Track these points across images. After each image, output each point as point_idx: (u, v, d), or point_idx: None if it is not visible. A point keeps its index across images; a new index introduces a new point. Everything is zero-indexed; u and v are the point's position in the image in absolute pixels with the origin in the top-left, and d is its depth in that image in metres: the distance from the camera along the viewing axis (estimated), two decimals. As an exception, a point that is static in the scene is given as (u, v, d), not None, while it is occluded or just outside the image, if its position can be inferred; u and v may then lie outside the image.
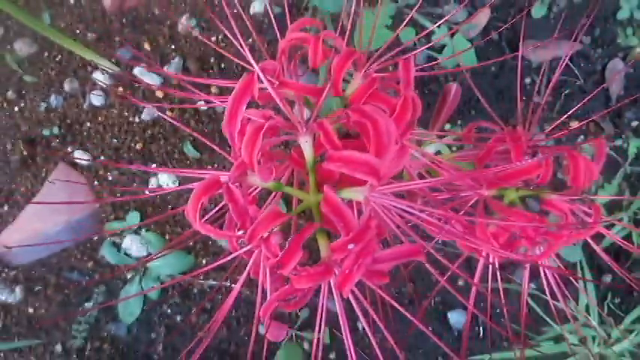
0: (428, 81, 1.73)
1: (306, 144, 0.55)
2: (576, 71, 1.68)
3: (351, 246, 0.48)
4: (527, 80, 1.73)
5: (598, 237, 1.57)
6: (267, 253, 0.48)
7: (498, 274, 0.74)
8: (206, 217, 0.59)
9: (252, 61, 0.57)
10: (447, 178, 0.59)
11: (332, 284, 0.52)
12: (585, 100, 1.17)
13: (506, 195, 0.73)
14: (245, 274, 0.54)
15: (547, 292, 0.78)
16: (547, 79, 1.60)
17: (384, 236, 0.57)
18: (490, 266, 0.73)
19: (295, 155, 0.57)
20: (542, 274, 0.70)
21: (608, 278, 1.54)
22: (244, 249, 0.54)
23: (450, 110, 0.67)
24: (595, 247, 0.79)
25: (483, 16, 1.75)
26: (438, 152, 0.70)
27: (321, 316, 0.56)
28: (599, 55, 1.70)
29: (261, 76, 0.56)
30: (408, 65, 0.60)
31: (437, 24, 0.84)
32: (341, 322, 0.57)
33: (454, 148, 0.74)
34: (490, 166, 0.72)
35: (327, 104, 0.61)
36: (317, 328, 0.54)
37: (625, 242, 0.84)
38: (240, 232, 0.52)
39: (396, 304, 0.56)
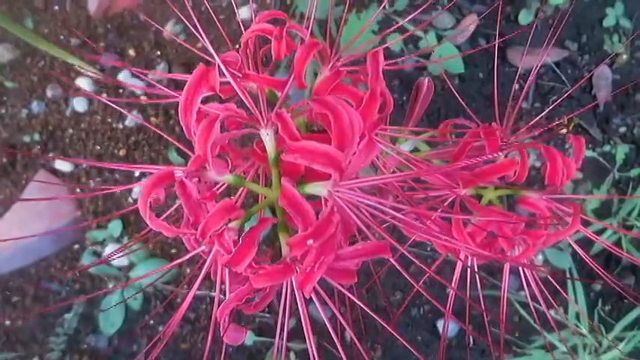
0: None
1: (267, 137, 0.52)
2: (563, 77, 1.67)
3: (310, 242, 0.45)
4: (516, 87, 1.72)
5: (587, 243, 1.55)
6: (220, 250, 0.45)
7: (478, 278, 0.72)
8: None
9: (213, 52, 0.55)
10: (418, 172, 0.57)
11: (294, 283, 0.50)
12: (577, 110, 1.15)
13: (485, 194, 0.70)
14: (202, 274, 0.51)
15: (530, 298, 0.75)
16: (535, 85, 1.58)
17: (351, 234, 0.54)
18: (469, 269, 0.71)
19: (257, 149, 0.54)
20: (525, 278, 0.67)
21: (598, 285, 1.51)
22: (201, 247, 0.51)
23: (424, 106, 0.65)
24: (582, 253, 0.76)
25: (471, 23, 1.74)
26: (415, 150, 0.68)
27: (283, 322, 0.53)
28: (586, 62, 1.69)
29: (222, 67, 0.54)
30: (377, 57, 0.57)
31: (423, 30, 0.82)
32: (304, 327, 0.54)
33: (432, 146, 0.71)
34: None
35: (299, 99, 0.58)
36: (277, 335, 0.51)
37: (614, 248, 0.81)
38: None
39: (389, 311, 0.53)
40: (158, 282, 1.66)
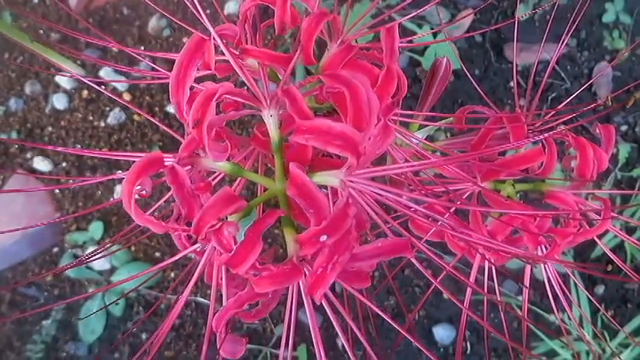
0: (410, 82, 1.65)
1: (270, 118, 0.45)
2: (563, 74, 1.63)
3: (323, 238, 0.38)
4: (512, 84, 1.67)
5: (589, 246, 1.50)
6: (218, 248, 0.38)
7: (496, 280, 0.65)
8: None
9: (209, 25, 0.48)
10: (436, 161, 0.50)
11: (302, 288, 0.43)
12: (578, 110, 1.10)
13: (503, 190, 0.64)
14: (195, 277, 0.44)
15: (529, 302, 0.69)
16: (533, 82, 1.53)
17: (365, 230, 0.48)
18: (485, 270, 0.64)
19: (258, 134, 0.48)
20: (546, 276, 0.61)
21: (600, 289, 1.46)
22: (194, 246, 0.44)
23: (440, 88, 0.58)
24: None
25: (466, 18, 1.69)
26: (429, 139, 0.61)
27: (289, 329, 0.46)
28: (585, 58, 1.64)
29: (219, 41, 0.47)
30: (392, 32, 0.51)
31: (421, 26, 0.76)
32: (313, 337, 0.47)
33: (448, 134, 0.65)
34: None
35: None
36: (283, 343, 0.44)
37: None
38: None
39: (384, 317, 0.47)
40: (141, 287, 1.58)
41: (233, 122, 1.63)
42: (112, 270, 1.63)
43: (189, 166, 0.46)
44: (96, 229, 1.65)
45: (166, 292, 1.56)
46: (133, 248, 1.64)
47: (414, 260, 0.45)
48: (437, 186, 0.58)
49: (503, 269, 0.66)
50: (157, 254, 1.62)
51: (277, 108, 0.45)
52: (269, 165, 0.55)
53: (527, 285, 0.60)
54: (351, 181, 0.44)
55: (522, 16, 1.69)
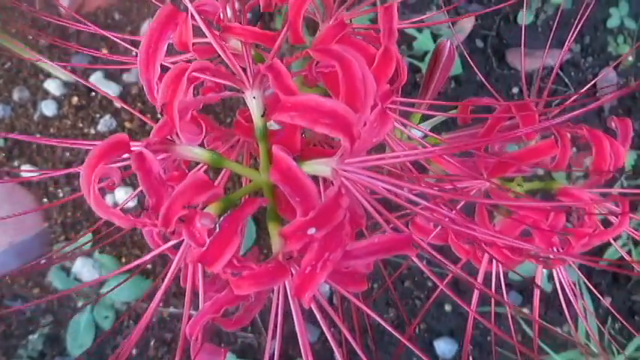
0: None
1: (254, 101, 0.40)
2: (567, 80, 1.58)
3: (311, 231, 0.33)
4: (515, 90, 1.63)
5: (595, 256, 1.44)
6: (190, 242, 0.33)
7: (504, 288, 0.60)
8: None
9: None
10: (440, 149, 0.45)
11: (288, 290, 0.37)
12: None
13: (511, 189, 0.59)
14: (166, 281, 0.38)
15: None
16: (538, 88, 1.49)
17: (360, 227, 0.43)
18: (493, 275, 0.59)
19: (241, 120, 0.43)
20: (558, 280, 0.56)
21: (607, 301, 1.41)
22: (167, 244, 0.39)
23: (444, 75, 0.54)
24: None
25: (467, 23, 1.65)
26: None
27: (274, 340, 0.41)
28: (589, 64, 1.60)
29: (197, 17, 0.42)
30: (390, 11, 0.46)
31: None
32: (302, 350, 0.41)
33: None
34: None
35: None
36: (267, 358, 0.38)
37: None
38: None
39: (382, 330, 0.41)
40: (131, 299, 1.52)
41: (220, 116, 1.59)
42: (102, 282, 1.57)
43: (163, 155, 0.41)
44: (85, 240, 1.60)
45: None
46: (123, 260, 1.59)
47: (415, 259, 0.40)
48: (441, 183, 0.53)
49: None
50: (149, 266, 1.56)
51: (261, 89, 0.40)
52: (257, 159, 0.50)
53: (539, 284, 0.55)
54: (345, 170, 0.39)
55: (525, 22, 1.65)
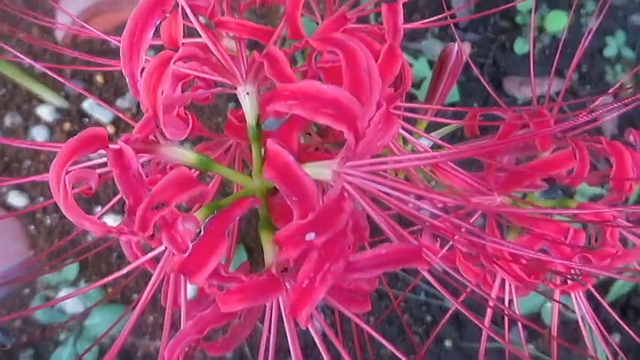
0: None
1: (247, 97, 0.36)
2: (565, 109, 1.56)
3: (310, 236, 0.29)
4: (513, 118, 1.61)
5: (603, 289, 1.39)
6: (170, 247, 0.29)
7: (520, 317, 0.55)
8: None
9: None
10: (448, 154, 0.41)
11: (282, 307, 0.33)
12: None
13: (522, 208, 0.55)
14: (146, 294, 0.34)
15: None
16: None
17: (364, 240, 0.38)
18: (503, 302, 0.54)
19: (233, 119, 0.39)
20: (578, 307, 0.51)
21: (616, 338, 1.35)
22: (147, 255, 0.35)
23: (451, 80, 0.50)
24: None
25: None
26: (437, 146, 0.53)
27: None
28: (587, 92, 1.59)
29: (188, 11, 0.39)
30: (395, 9, 0.43)
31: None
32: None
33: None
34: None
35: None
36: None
37: None
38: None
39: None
40: (116, 332, 1.45)
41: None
42: (86, 313, 1.50)
43: (146, 157, 0.37)
44: (71, 269, 1.54)
45: (142, 337, 1.43)
46: (109, 289, 1.52)
47: (425, 274, 0.35)
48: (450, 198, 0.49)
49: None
50: (135, 296, 1.50)
51: (256, 84, 0.36)
52: (250, 166, 0.46)
53: (559, 301, 0.50)
54: (347, 174, 0.35)
55: (522, 50, 1.64)
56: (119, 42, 0.36)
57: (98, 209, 1.59)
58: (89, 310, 1.49)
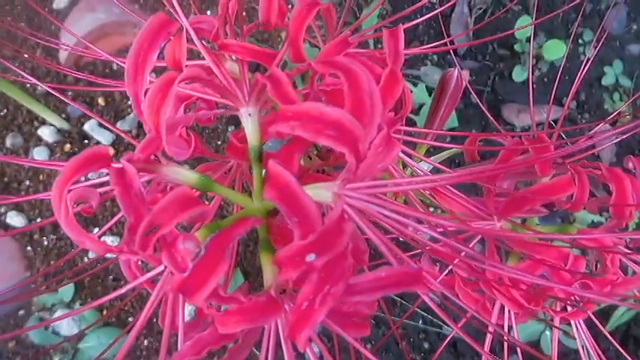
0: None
1: (249, 118, 0.37)
2: (564, 136, 1.57)
3: (310, 257, 0.29)
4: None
5: (603, 317, 1.38)
6: (170, 267, 0.29)
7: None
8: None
9: (181, 14, 0.40)
10: (448, 177, 0.41)
11: (280, 329, 0.33)
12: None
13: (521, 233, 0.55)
14: (143, 316, 0.33)
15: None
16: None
17: (363, 263, 0.38)
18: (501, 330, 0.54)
19: (234, 141, 0.39)
20: (578, 335, 0.51)
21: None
22: (148, 274, 0.34)
23: (452, 105, 0.51)
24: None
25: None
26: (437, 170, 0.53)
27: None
28: (586, 120, 1.60)
29: (192, 32, 0.39)
30: (397, 34, 0.44)
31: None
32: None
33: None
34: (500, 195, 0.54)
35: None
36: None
37: None
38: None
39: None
40: (110, 355, 1.43)
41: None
42: (81, 336, 1.48)
43: (147, 176, 0.37)
44: (67, 290, 1.53)
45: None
46: (104, 312, 1.51)
47: (425, 298, 0.35)
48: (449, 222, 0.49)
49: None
50: (130, 319, 1.48)
51: (257, 106, 0.37)
52: (251, 187, 0.46)
53: (559, 328, 0.50)
54: (348, 196, 0.35)
55: (520, 78, 1.66)
56: (123, 63, 0.37)
57: (95, 231, 1.59)
58: (84, 333, 1.47)
